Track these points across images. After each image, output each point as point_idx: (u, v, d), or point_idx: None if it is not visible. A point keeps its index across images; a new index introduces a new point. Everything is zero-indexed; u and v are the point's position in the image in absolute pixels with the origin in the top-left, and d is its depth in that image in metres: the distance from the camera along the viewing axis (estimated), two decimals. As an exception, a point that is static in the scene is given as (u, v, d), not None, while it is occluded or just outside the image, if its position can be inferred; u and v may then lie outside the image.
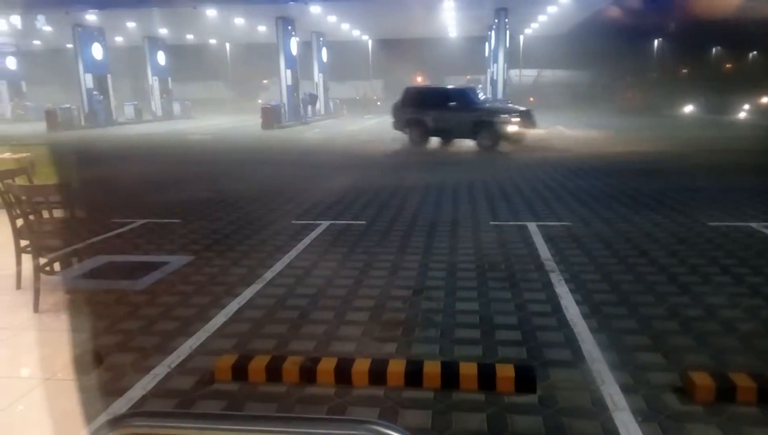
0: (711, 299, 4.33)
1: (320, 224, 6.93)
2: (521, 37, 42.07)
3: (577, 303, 4.28)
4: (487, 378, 3.08)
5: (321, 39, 34.79)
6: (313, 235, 6.45)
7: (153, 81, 35.61)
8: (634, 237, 6.14)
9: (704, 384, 2.94)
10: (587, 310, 4.14)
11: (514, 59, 38.67)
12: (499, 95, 27.15)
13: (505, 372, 3.10)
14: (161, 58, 36.04)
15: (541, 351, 3.53)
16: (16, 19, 28.20)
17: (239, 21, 31.15)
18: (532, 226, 6.63)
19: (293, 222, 7.13)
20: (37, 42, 37.64)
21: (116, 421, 0.87)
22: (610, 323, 3.92)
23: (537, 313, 4.13)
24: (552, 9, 28.03)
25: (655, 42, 43.55)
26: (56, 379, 3.27)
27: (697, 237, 6.10)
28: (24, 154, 8.39)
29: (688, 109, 33.84)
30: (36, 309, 4.23)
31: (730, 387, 2.92)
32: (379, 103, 44.79)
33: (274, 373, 3.20)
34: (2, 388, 3.22)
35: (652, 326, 3.86)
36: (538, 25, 35.25)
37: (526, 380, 3.06)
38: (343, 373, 3.16)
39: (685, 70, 42.83)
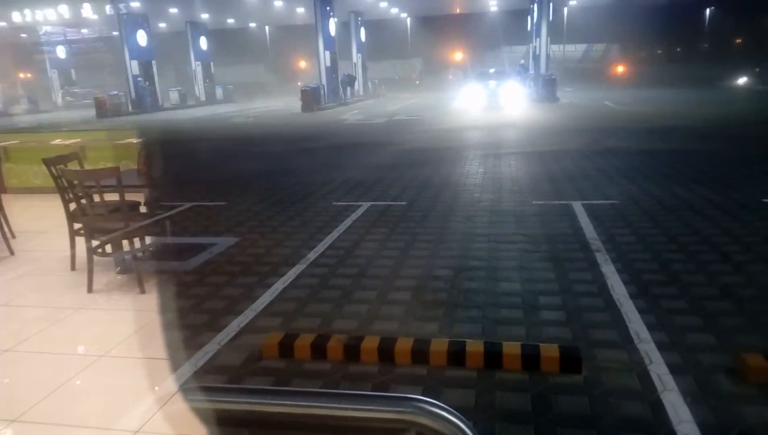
0: (765, 278, 4.17)
1: (361, 205, 6.97)
2: (565, 10, 40.76)
3: (624, 283, 4.18)
4: (531, 358, 3.06)
5: (359, 19, 34.59)
6: (354, 215, 6.49)
7: (196, 66, 36.23)
8: (684, 213, 5.94)
9: (758, 365, 2.84)
10: (634, 290, 4.05)
11: (557, 33, 37.54)
12: (542, 70, 26.50)
13: (550, 352, 3.08)
14: (203, 43, 36.58)
15: (587, 331, 3.48)
16: (64, 9, 29.04)
17: (278, 3, 31.26)
18: (577, 206, 6.51)
19: (334, 203, 7.19)
20: (85, 30, 38.72)
21: (174, 396, 0.91)
22: (658, 303, 3.83)
23: (582, 292, 4.06)
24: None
25: (707, 11, 41.51)
26: (110, 356, 3.43)
27: (751, 214, 5.85)
28: (75, 140, 8.71)
29: (742, 80, 32.28)
30: (90, 289, 4.42)
31: (787, 369, 2.81)
32: (417, 82, 44.42)
33: (319, 350, 3.26)
34: (60, 364, 3.39)
35: (703, 306, 3.75)
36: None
37: (571, 360, 3.03)
38: (386, 352, 3.20)
39: (738, 41, 40.75)
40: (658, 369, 3.00)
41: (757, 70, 32.81)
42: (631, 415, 2.66)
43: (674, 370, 2.99)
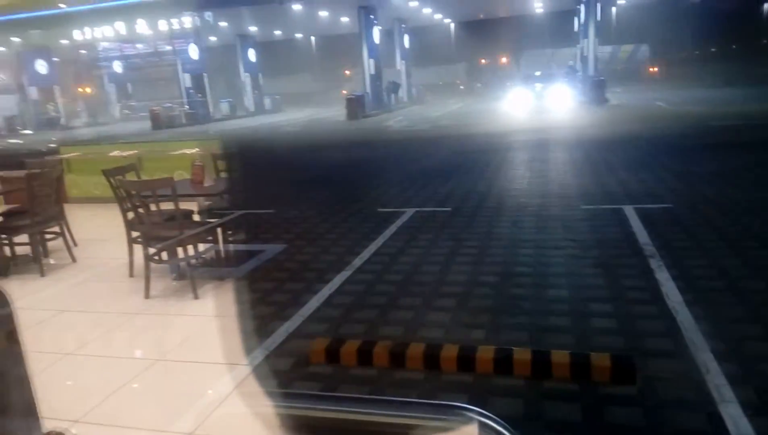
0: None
1: (405, 211, 6.98)
2: (613, 10, 39.74)
3: (680, 290, 4.04)
4: (581, 367, 3.00)
5: (403, 26, 34.72)
6: (399, 222, 6.51)
7: (245, 77, 37.16)
8: (742, 217, 5.69)
9: (827, 378, 2.69)
10: (691, 297, 3.90)
11: (605, 33, 36.66)
12: (590, 72, 25.92)
13: (602, 361, 3.00)
14: (252, 55, 37.51)
15: (640, 340, 3.38)
16: (120, 26, 30.33)
17: (323, 13, 31.74)
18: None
19: (379, 209, 7.23)
20: (140, 45, 40.31)
21: (227, 399, 0.94)
22: (716, 311, 3.68)
23: (635, 300, 3.95)
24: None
25: (766, 5, 39.65)
26: (166, 360, 3.55)
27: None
28: (132, 151, 9.08)
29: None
30: (147, 295, 4.59)
31: None
32: (462, 87, 44.15)
33: (364, 356, 3.29)
34: (118, 367, 3.54)
35: (763, 314, 3.58)
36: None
37: (624, 370, 2.95)
38: (431, 359, 3.19)
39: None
40: (716, 379, 2.88)
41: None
42: (688, 428, 2.57)
43: (733, 380, 2.86)
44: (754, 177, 7.60)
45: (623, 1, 36.68)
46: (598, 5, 26.32)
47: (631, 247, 5.06)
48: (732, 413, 2.61)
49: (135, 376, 3.36)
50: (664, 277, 4.29)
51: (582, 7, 27.72)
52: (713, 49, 39.26)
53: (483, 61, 46.58)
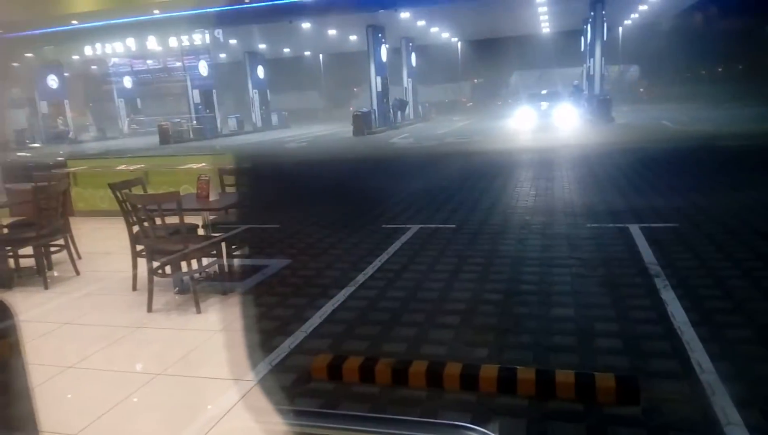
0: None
1: (410, 228, 6.98)
2: (620, 30, 39.98)
3: (686, 309, 4.00)
4: (585, 387, 2.96)
5: (410, 44, 35.03)
6: (404, 238, 6.50)
7: (253, 94, 37.53)
8: (748, 237, 5.65)
9: (836, 401, 2.65)
10: (696, 317, 3.86)
11: (612, 53, 36.85)
12: (596, 90, 25.98)
13: (606, 382, 2.96)
14: (260, 72, 37.92)
15: (646, 360, 3.34)
16: (131, 42, 30.72)
17: (331, 32, 32.08)
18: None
19: (383, 226, 7.23)
20: (150, 61, 40.82)
21: (227, 414, 0.94)
22: (722, 332, 3.64)
23: (641, 319, 3.91)
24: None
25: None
26: (167, 374, 3.53)
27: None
28: (139, 166, 9.15)
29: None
30: (150, 309, 4.59)
31: None
32: (469, 104, 44.42)
33: (367, 373, 3.26)
34: (120, 381, 3.52)
35: (772, 336, 3.54)
36: (638, 15, 33.35)
37: (628, 391, 2.91)
38: (434, 377, 3.17)
39: (809, 55, 38.75)
40: (722, 401, 2.84)
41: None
42: (694, 450, 2.53)
43: (739, 402, 2.82)
44: (760, 197, 7.56)
45: (629, 22, 36.91)
46: (605, 25, 26.46)
47: (636, 266, 5.03)
48: (739, 436, 2.57)
49: (136, 390, 3.34)
50: (669, 297, 4.26)
51: (588, 27, 27.88)
52: (719, 69, 39.37)
53: (490, 79, 46.86)
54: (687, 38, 36.04)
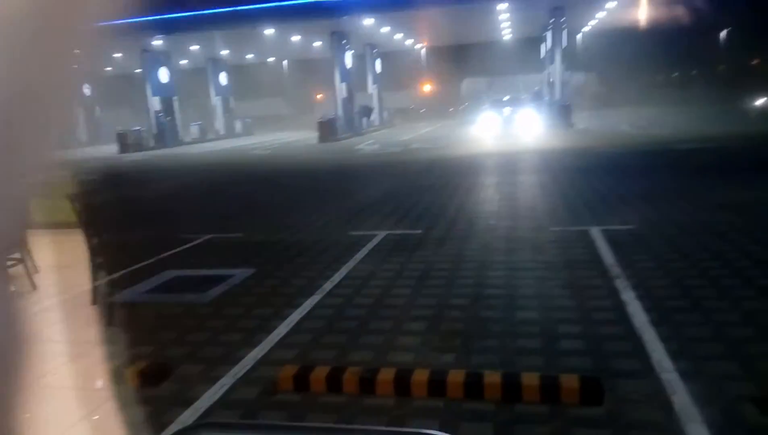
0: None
1: (376, 235, 6.97)
2: (579, 36, 40.97)
3: (645, 310, 4.10)
4: (550, 389, 3.00)
5: (375, 50, 35.15)
6: (371, 245, 6.49)
7: (216, 101, 37.05)
8: (704, 238, 5.84)
9: (787, 395, 2.75)
10: (656, 317, 3.96)
11: (572, 59, 37.74)
12: (557, 96, 26.54)
13: (570, 383, 3.01)
14: (223, 78, 37.47)
15: (608, 361, 3.40)
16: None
17: (295, 38, 31.95)
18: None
19: (350, 233, 7.21)
20: (108, 68, 39.89)
21: (183, 432, 0.91)
22: (680, 331, 3.74)
23: (602, 321, 3.99)
24: (611, 4, 27.15)
25: (722, 33, 41.40)
26: (125, 390, 3.43)
27: (775, 237, 5.74)
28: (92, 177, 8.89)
29: (761, 102, 31.94)
30: (108, 323, 4.45)
31: (818, 399, 2.72)
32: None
33: (334, 383, 3.23)
34: (76, 399, 3.40)
35: (726, 333, 3.65)
36: (597, 21, 34.22)
37: (592, 392, 2.96)
38: (402, 384, 3.16)
39: (756, 62, 40.47)
40: (682, 399, 2.92)
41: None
42: (655, 448, 2.58)
43: (698, 400, 2.90)
44: (715, 198, 7.82)
45: (588, 28, 37.85)
46: (565, 32, 27.07)
47: (597, 269, 5.14)
48: (698, 433, 2.64)
49: (95, 408, 3.24)
50: (629, 297, 4.36)
51: (548, 34, 28.50)
52: (675, 75, 40.72)
53: (453, 85, 47.41)
54: (644, 45, 37.17)
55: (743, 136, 16.30)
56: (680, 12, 31.10)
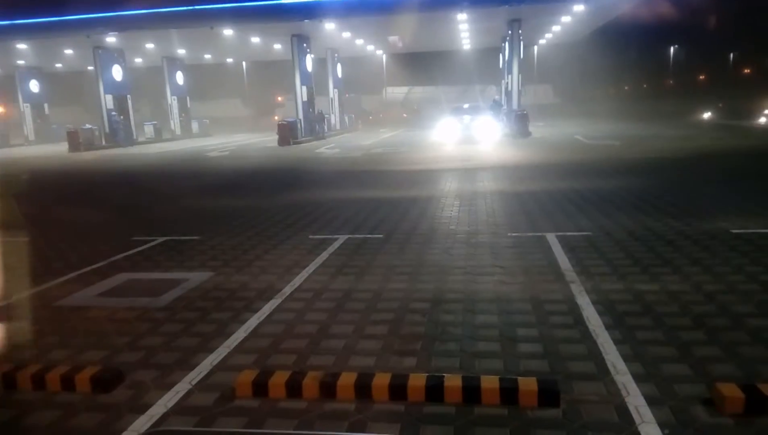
0: (738, 308, 4.24)
1: (338, 238, 6.94)
2: (535, 49, 42.02)
3: (599, 314, 4.21)
4: (509, 392, 3.04)
5: (336, 55, 35.10)
6: (331, 248, 6.45)
7: (172, 100, 36.22)
8: (655, 244, 6.05)
9: (733, 395, 2.86)
10: (610, 321, 4.07)
11: (528, 71, 38.66)
12: (515, 105, 27.08)
13: (528, 386, 3.05)
14: (180, 78, 36.69)
15: (564, 363, 3.47)
16: (40, 43, 28.88)
17: (255, 40, 31.55)
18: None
19: (310, 236, 7.15)
20: (59, 65, 38.50)
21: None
22: (633, 334, 3.85)
23: (558, 324, 4.07)
24: (566, 19, 27.96)
25: (671, 49, 43.24)
26: (80, 395, 3.30)
27: (720, 244, 5.99)
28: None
29: (707, 115, 33.51)
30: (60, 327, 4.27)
31: (760, 398, 2.84)
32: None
33: (294, 388, 3.19)
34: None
35: (677, 336, 3.78)
36: (552, 35, 35.14)
37: (549, 394, 3.01)
38: (363, 388, 3.14)
39: (702, 77, 42.42)
40: (636, 401, 3.00)
41: (720, 105, 34.18)
42: (610, 448, 2.64)
43: (651, 401, 2.99)
44: (664, 206, 8.12)
45: (543, 41, 38.83)
46: (521, 44, 27.66)
47: (554, 273, 5.25)
48: (650, 433, 2.72)
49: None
50: (584, 302, 4.47)
51: (506, 45, 29.05)
52: (626, 88, 42.23)
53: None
54: (596, 59, 38.45)
55: (691, 148, 17.02)
56: (631, 28, 32.29)
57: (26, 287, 5.27)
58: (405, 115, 45.50)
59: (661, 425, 2.77)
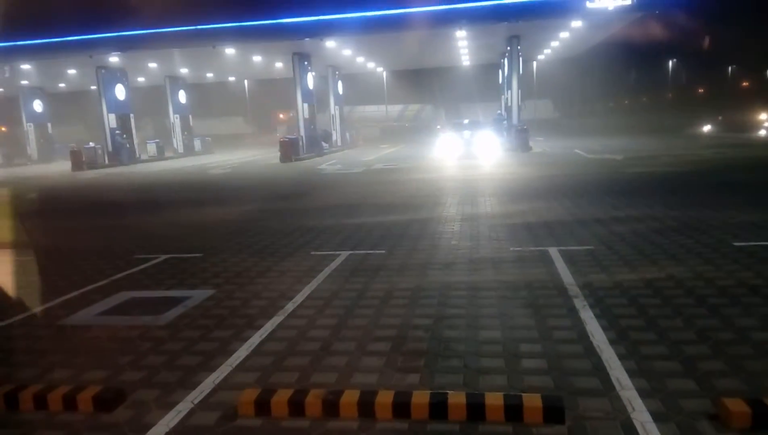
0: (742, 322, 4.21)
1: (339, 254, 6.93)
2: (534, 64, 42.29)
3: (603, 328, 4.19)
4: (513, 409, 3.01)
5: (336, 72, 35.36)
6: (334, 265, 6.45)
7: (174, 119, 36.44)
8: (658, 258, 6.03)
9: (739, 410, 2.84)
10: (614, 336, 4.05)
11: (527, 86, 38.89)
12: (515, 120, 27.19)
13: (533, 402, 3.03)
14: (182, 96, 36.95)
15: (569, 379, 3.45)
16: (44, 64, 29.17)
17: (257, 58, 31.80)
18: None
19: (312, 253, 7.14)
20: (62, 84, 38.83)
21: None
22: (638, 349, 3.83)
23: (562, 339, 4.05)
24: (564, 34, 28.17)
25: (670, 63, 43.50)
26: (81, 415, 3.28)
27: (723, 258, 5.97)
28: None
29: (707, 128, 33.63)
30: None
31: (767, 413, 2.81)
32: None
33: (296, 407, 3.17)
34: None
35: (682, 351, 3.76)
36: (551, 51, 35.39)
37: (554, 410, 2.99)
38: (366, 406, 3.12)
39: (701, 90, 42.61)
40: (641, 417, 2.98)
41: (720, 118, 34.32)
42: (617, 465, 2.61)
43: (657, 417, 2.96)
44: (665, 220, 8.11)
45: (542, 57, 39.10)
46: (521, 59, 27.85)
47: (557, 288, 5.23)
48: (657, 449, 2.69)
49: (42, 438, 3.07)
50: (588, 316, 4.45)
51: (505, 61, 29.25)
52: (626, 102, 42.42)
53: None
54: (596, 73, 38.69)
55: (691, 161, 17.04)
56: (629, 42, 32.53)
57: (30, 306, 5.26)
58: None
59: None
